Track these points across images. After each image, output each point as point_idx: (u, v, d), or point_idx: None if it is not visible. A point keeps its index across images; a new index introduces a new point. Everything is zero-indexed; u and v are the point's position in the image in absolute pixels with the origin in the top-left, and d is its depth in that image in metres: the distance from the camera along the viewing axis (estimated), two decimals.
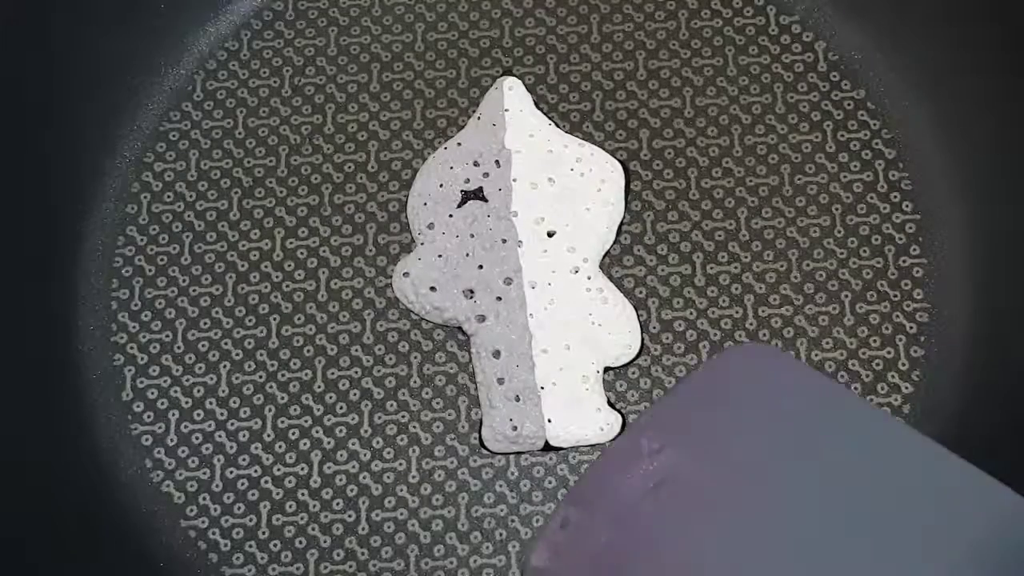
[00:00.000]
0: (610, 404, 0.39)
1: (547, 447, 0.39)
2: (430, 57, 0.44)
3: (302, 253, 0.42)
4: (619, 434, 0.39)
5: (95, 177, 0.43)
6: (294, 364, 0.40)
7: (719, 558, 0.32)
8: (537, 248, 0.41)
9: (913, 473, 0.32)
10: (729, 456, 0.34)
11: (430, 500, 0.39)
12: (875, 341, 0.40)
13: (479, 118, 0.43)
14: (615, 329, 0.40)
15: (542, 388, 0.39)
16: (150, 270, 0.42)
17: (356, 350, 0.40)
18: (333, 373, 0.40)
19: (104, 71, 0.43)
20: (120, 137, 0.43)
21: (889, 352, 0.40)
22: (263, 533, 0.38)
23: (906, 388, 0.39)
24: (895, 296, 0.40)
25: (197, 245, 0.42)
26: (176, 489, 0.39)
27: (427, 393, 0.40)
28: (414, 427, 0.39)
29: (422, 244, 0.41)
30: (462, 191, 0.42)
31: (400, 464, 0.39)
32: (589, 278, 0.40)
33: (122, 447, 0.39)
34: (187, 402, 0.40)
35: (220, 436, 0.39)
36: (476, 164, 0.42)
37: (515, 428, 0.38)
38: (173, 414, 0.40)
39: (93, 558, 0.37)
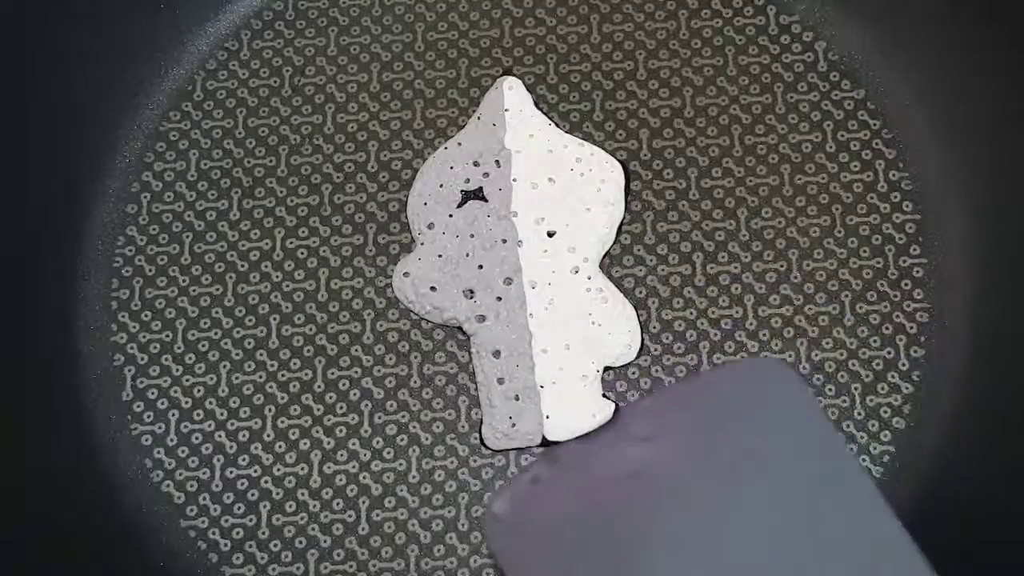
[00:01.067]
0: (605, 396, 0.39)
1: (544, 443, 0.39)
2: (430, 57, 0.44)
3: (302, 253, 0.42)
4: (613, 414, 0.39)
5: (95, 177, 0.43)
6: (294, 364, 0.40)
7: (671, 558, 0.33)
8: (537, 248, 0.41)
9: (861, 533, 0.33)
10: (710, 465, 0.34)
11: (430, 500, 0.39)
12: (875, 341, 0.40)
13: (479, 118, 0.43)
14: (615, 329, 0.40)
15: (542, 387, 0.39)
16: (150, 270, 0.42)
17: (356, 350, 0.40)
18: (333, 373, 0.40)
19: (104, 71, 0.43)
20: (120, 137, 0.43)
21: (889, 352, 0.40)
22: (263, 533, 0.38)
23: (906, 388, 0.39)
24: (895, 296, 0.40)
25: (197, 245, 0.42)
26: (176, 489, 0.39)
27: (427, 393, 0.40)
28: (414, 427, 0.39)
29: (422, 244, 0.41)
30: (462, 191, 0.42)
31: (400, 464, 0.39)
32: (589, 278, 0.40)
33: (122, 447, 0.39)
34: (187, 402, 0.40)
35: (220, 436, 0.40)
36: (476, 164, 0.42)
37: (514, 426, 0.38)
38: (173, 414, 0.40)
39: (93, 558, 0.37)
